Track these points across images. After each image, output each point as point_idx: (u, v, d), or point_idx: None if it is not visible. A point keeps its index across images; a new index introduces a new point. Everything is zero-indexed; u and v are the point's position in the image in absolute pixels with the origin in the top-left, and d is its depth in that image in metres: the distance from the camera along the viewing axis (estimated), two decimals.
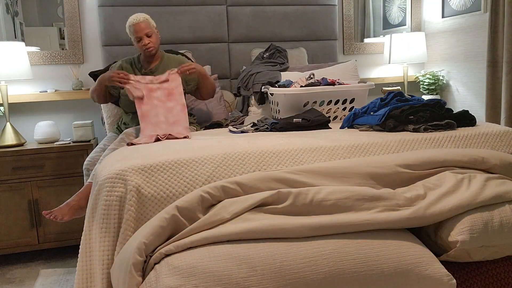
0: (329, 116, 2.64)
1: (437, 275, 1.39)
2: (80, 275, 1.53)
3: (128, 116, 2.64)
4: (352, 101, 2.68)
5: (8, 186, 2.74)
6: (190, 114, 2.79)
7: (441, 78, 3.72)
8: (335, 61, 3.55)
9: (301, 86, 2.63)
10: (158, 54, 2.65)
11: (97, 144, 3.03)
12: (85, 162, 2.41)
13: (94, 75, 2.89)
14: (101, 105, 2.97)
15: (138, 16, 2.51)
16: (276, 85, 2.72)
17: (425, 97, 3.54)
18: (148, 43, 2.49)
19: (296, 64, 3.32)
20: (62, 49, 3.20)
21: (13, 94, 3.04)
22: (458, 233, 1.48)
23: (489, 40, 3.10)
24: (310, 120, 2.40)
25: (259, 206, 1.48)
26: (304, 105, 2.58)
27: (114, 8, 3.12)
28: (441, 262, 1.50)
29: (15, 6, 3.06)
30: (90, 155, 2.44)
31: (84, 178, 2.40)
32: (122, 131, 2.62)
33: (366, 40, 3.85)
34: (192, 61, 2.98)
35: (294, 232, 1.40)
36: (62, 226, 2.83)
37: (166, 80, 2.37)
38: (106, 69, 2.89)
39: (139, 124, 2.57)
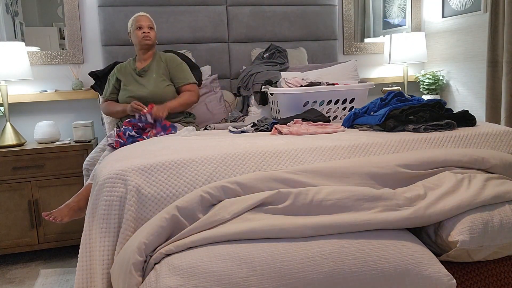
0: (329, 116, 2.64)
1: (437, 275, 1.39)
2: (80, 275, 1.53)
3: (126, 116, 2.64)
4: (352, 101, 2.68)
5: (8, 186, 2.74)
6: (189, 114, 2.80)
7: (441, 78, 3.72)
8: (335, 61, 3.55)
9: (301, 86, 2.63)
10: (151, 53, 2.74)
11: (97, 144, 3.03)
12: (84, 163, 2.41)
13: (94, 75, 2.89)
14: None
15: (145, 13, 2.74)
16: (271, 85, 2.73)
17: (425, 97, 3.54)
18: (148, 32, 2.65)
19: (296, 64, 3.32)
20: (62, 49, 3.20)
21: (13, 94, 3.04)
22: (458, 233, 1.48)
23: (489, 40, 3.10)
24: (310, 120, 2.40)
25: (259, 206, 1.48)
26: (304, 105, 2.59)
27: (114, 8, 3.12)
28: (441, 262, 1.50)
29: (15, 6, 3.06)
30: (89, 156, 2.44)
31: (84, 178, 2.41)
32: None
33: (366, 40, 3.85)
34: (193, 60, 2.98)
35: (294, 232, 1.40)
36: (62, 226, 2.83)
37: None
38: (106, 70, 2.90)
39: None
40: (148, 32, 2.65)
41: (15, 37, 3.08)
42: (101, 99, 2.88)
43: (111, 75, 2.76)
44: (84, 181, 2.39)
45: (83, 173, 2.40)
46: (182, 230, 1.42)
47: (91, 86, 2.93)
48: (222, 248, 1.34)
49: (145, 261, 1.38)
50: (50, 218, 2.12)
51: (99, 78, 2.90)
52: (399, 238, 1.46)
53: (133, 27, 2.67)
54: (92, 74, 2.90)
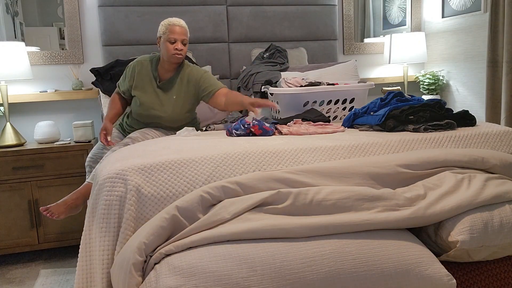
0: (329, 116, 2.64)
1: (437, 275, 1.39)
2: (80, 275, 1.53)
3: (134, 120, 2.55)
4: (352, 101, 2.68)
5: (8, 186, 2.74)
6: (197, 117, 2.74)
7: (441, 78, 3.72)
8: (335, 61, 3.55)
9: (301, 86, 2.63)
10: (177, 64, 2.47)
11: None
12: (87, 159, 2.41)
13: (95, 71, 2.89)
14: (102, 102, 2.97)
15: (181, 21, 2.40)
16: (271, 85, 2.73)
17: (425, 97, 3.54)
18: (181, 49, 2.36)
19: (296, 64, 3.32)
20: (62, 49, 3.20)
21: (13, 94, 3.04)
22: (458, 233, 1.48)
23: (489, 40, 3.10)
24: (310, 120, 2.40)
25: (259, 206, 1.48)
26: (304, 105, 2.59)
27: (114, 8, 3.12)
28: (441, 262, 1.50)
29: (15, 6, 3.06)
30: (92, 152, 2.43)
31: (86, 175, 2.40)
32: (125, 129, 2.61)
33: (366, 40, 3.85)
34: (193, 61, 2.97)
35: (294, 232, 1.40)
36: (62, 226, 2.83)
37: None
38: (108, 66, 2.90)
39: (143, 128, 2.52)
40: (182, 49, 2.36)
41: (15, 37, 3.08)
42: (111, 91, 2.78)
43: (131, 69, 2.48)
44: (87, 177, 2.38)
45: (86, 169, 2.40)
46: (182, 230, 1.42)
47: (92, 83, 2.94)
48: (222, 248, 1.34)
49: (145, 261, 1.38)
50: (48, 214, 2.13)
51: (100, 74, 2.90)
52: (399, 238, 1.46)
53: (166, 35, 2.35)
54: (93, 70, 2.90)
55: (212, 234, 1.38)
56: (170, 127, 2.49)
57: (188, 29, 2.43)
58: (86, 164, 2.39)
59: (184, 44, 2.39)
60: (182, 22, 2.40)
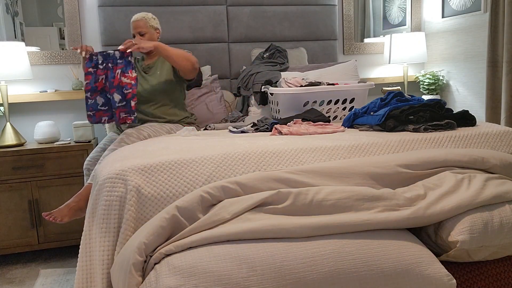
0: (329, 116, 2.64)
1: (437, 275, 1.39)
2: (80, 275, 1.53)
3: None
4: (352, 101, 2.68)
5: (8, 186, 2.74)
6: (191, 114, 2.80)
7: (441, 78, 3.72)
8: (335, 61, 3.55)
9: (301, 86, 2.63)
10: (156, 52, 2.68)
11: (97, 144, 3.03)
12: (85, 162, 2.41)
13: None
14: None
15: (138, 15, 2.68)
16: (271, 85, 2.73)
17: (425, 97, 3.54)
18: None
19: (296, 64, 3.32)
20: (62, 49, 3.20)
21: (13, 94, 3.04)
22: (458, 233, 1.48)
23: (489, 40, 3.10)
24: (310, 120, 2.40)
25: (259, 206, 1.48)
26: (304, 105, 2.59)
27: (114, 8, 3.12)
28: (441, 262, 1.50)
29: (15, 6, 3.06)
30: (90, 155, 2.44)
31: (84, 178, 2.41)
32: (123, 130, 2.62)
33: (366, 40, 3.85)
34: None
35: (294, 232, 1.40)
36: (62, 226, 2.83)
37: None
38: None
39: (141, 121, 2.59)
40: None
41: (15, 37, 3.08)
42: None
43: None
44: (85, 181, 2.39)
45: (84, 173, 2.40)
46: (182, 230, 1.42)
47: None
48: (222, 248, 1.34)
49: (145, 261, 1.38)
50: (51, 218, 2.13)
51: None
52: (399, 238, 1.46)
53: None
54: None
55: (212, 234, 1.38)
56: (159, 98, 2.64)
57: (147, 18, 2.67)
58: (84, 167, 2.40)
59: (142, 34, 2.66)
60: (139, 16, 2.68)
